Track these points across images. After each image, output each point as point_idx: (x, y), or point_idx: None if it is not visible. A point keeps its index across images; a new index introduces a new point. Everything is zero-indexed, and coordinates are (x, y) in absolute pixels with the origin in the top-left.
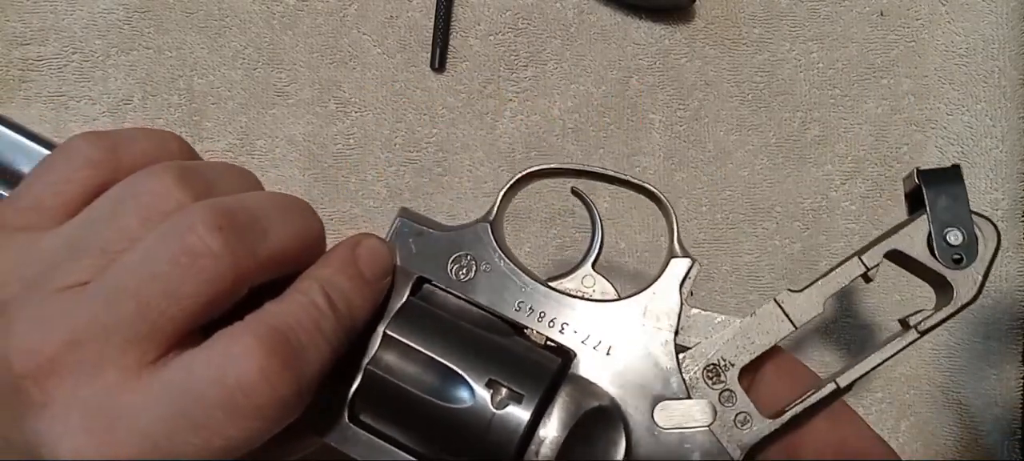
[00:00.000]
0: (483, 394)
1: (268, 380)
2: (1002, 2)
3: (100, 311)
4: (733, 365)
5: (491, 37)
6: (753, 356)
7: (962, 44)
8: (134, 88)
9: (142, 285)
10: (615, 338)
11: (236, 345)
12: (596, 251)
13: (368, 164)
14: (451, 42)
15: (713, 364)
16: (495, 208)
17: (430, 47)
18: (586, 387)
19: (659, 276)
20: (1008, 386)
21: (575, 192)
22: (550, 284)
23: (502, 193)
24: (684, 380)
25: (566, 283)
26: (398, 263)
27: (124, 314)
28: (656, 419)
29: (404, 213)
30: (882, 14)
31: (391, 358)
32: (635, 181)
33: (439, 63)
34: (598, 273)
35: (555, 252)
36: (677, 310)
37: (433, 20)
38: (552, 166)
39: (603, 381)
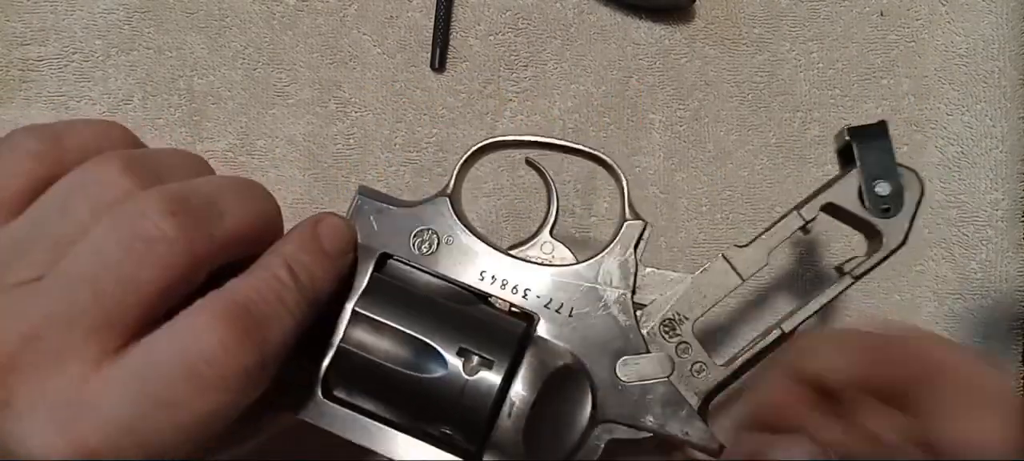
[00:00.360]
0: (455, 363)
1: (229, 350)
2: (1002, 2)
3: (56, 304)
4: (687, 318)
5: (491, 37)
6: (706, 309)
7: (962, 44)
8: (134, 88)
9: (97, 274)
10: (575, 300)
11: (197, 320)
12: (552, 218)
13: (368, 164)
14: (451, 42)
15: (669, 319)
16: (452, 181)
17: (430, 47)
18: (551, 348)
19: (614, 239)
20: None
21: (529, 162)
22: (511, 252)
23: (458, 166)
24: (643, 335)
25: (527, 251)
26: (360, 240)
27: (81, 305)
28: (619, 374)
29: (363, 191)
30: (882, 14)
31: (362, 334)
32: (585, 149)
33: (439, 63)
34: (556, 239)
35: None
36: (633, 270)
37: (433, 20)
38: (506, 138)
39: (566, 341)
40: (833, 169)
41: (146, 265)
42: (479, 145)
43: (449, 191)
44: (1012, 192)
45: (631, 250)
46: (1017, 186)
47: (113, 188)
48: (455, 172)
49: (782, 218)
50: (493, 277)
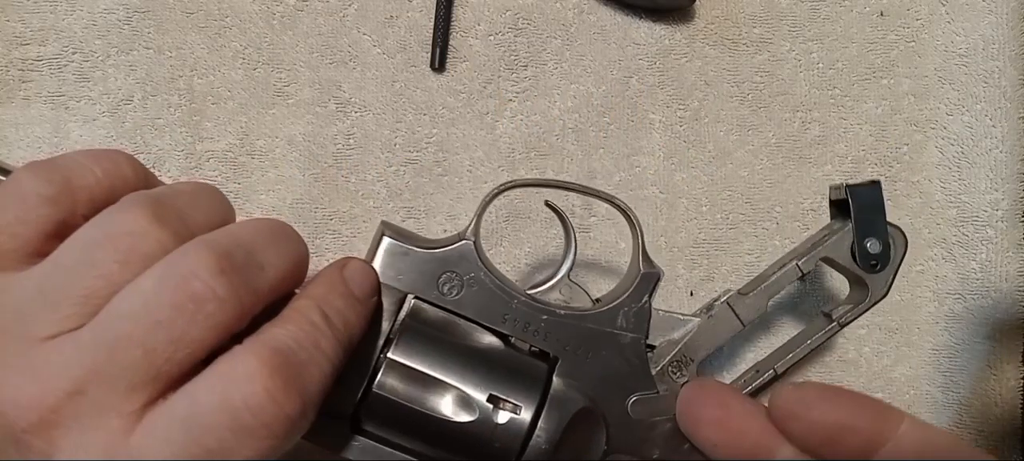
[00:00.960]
0: (486, 407)
1: (274, 399)
2: (1002, 2)
3: (102, 360)
4: (693, 359)
5: (491, 37)
6: (709, 351)
7: (962, 44)
8: (134, 88)
9: (147, 333)
10: (592, 344)
11: (239, 368)
12: (570, 262)
13: (368, 164)
14: (451, 42)
15: (677, 359)
16: (473, 225)
17: (430, 47)
18: (570, 390)
19: (631, 287)
20: (1008, 386)
21: (549, 205)
22: (532, 295)
23: (479, 210)
24: (652, 376)
25: (547, 293)
26: (385, 281)
27: (128, 362)
28: (630, 411)
29: (388, 229)
30: (882, 14)
31: (395, 381)
32: (606, 195)
33: (439, 63)
34: (574, 282)
35: (555, 252)
36: (647, 317)
37: (433, 20)
38: (526, 179)
39: (584, 381)
40: (832, 169)
41: (196, 324)
42: (503, 187)
43: (474, 234)
44: (1012, 192)
45: (646, 297)
46: (1017, 186)
47: (144, 240)
48: (478, 215)
49: (782, 268)
50: (515, 320)
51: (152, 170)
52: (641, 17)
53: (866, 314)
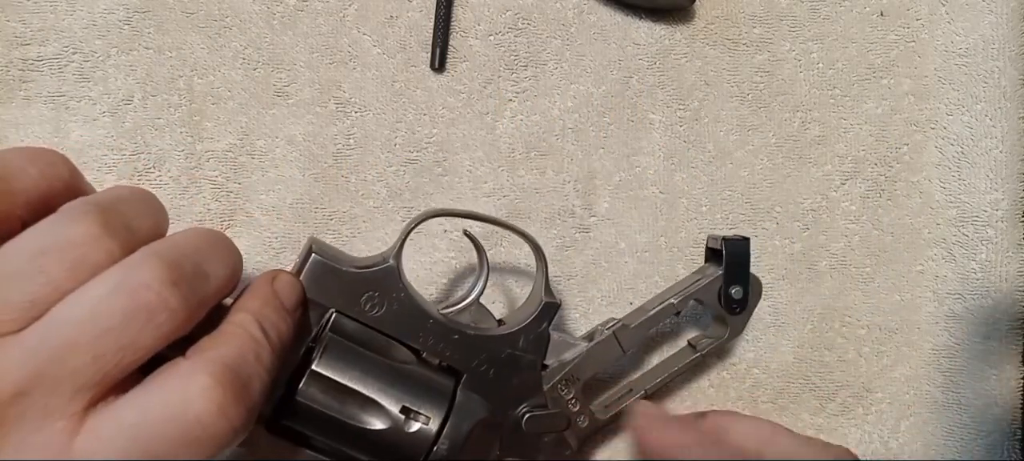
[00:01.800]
0: (398, 417)
1: (225, 414)
2: (1002, 2)
3: (47, 363)
4: (579, 379)
5: (491, 37)
6: (594, 372)
7: (962, 44)
8: (134, 88)
9: (96, 340)
10: (495, 361)
11: (193, 385)
12: (481, 288)
13: (368, 164)
14: (451, 42)
15: (565, 378)
16: (398, 248)
17: (430, 47)
18: (473, 402)
19: (533, 314)
20: (1008, 386)
21: (467, 234)
22: (445, 315)
23: (403, 236)
24: (544, 391)
25: (459, 314)
26: (312, 296)
27: (75, 366)
28: (523, 425)
29: (316, 245)
30: (882, 14)
31: (317, 392)
32: (517, 228)
33: (439, 63)
34: (483, 305)
35: (555, 252)
36: (546, 341)
37: (433, 20)
38: (451, 209)
39: (485, 395)
40: (832, 170)
41: (147, 332)
42: (422, 217)
43: (397, 257)
44: (1012, 192)
45: (545, 324)
46: (1017, 186)
47: (96, 250)
48: (400, 241)
49: (659, 308)
50: (429, 337)
51: (152, 170)
52: (641, 17)
53: (865, 314)
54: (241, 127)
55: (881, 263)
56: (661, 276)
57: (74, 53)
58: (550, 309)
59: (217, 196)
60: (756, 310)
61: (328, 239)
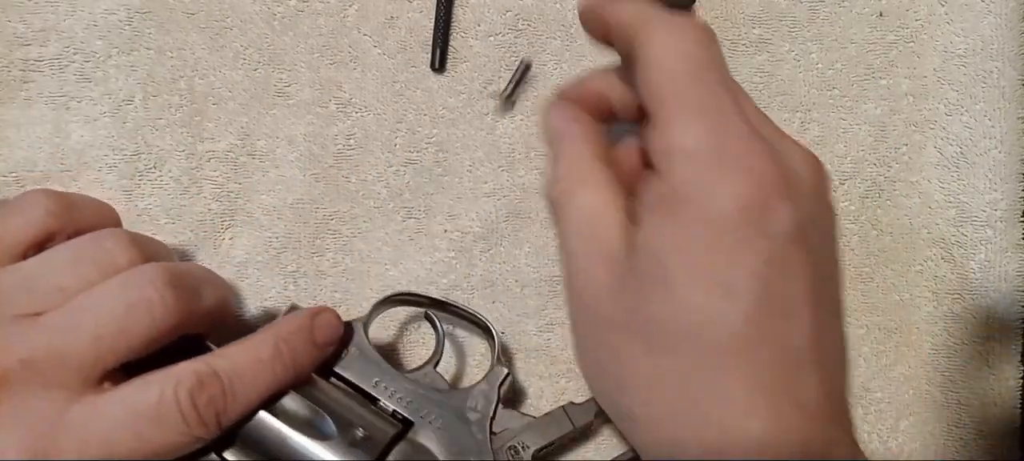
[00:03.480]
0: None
1: (198, 414)
2: (1001, 3)
3: (56, 339)
4: (528, 447)
5: (491, 37)
6: (543, 443)
7: (961, 45)
8: (135, 89)
9: (100, 322)
10: (446, 417)
11: (179, 372)
12: (438, 357)
13: (368, 164)
14: (451, 43)
15: (513, 446)
16: (367, 317)
17: (430, 48)
18: (421, 450)
19: (483, 379)
20: (1007, 386)
21: (428, 318)
22: (404, 372)
23: (371, 311)
24: (492, 450)
25: (415, 375)
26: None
27: (78, 344)
28: None
29: (294, 309)
30: (881, 15)
31: (273, 421)
32: (471, 313)
33: (439, 64)
34: (437, 372)
35: (555, 252)
36: (494, 404)
37: (433, 21)
38: (411, 294)
39: (434, 447)
40: (831, 170)
41: (143, 323)
42: (385, 297)
43: (363, 323)
44: (1011, 192)
45: (495, 388)
46: (1016, 186)
47: (122, 257)
48: (370, 314)
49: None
50: (385, 387)
51: (153, 170)
52: None
53: (864, 314)
54: (242, 127)
55: (880, 263)
56: None
57: (75, 53)
58: (499, 373)
59: (218, 196)
60: None
61: (328, 239)
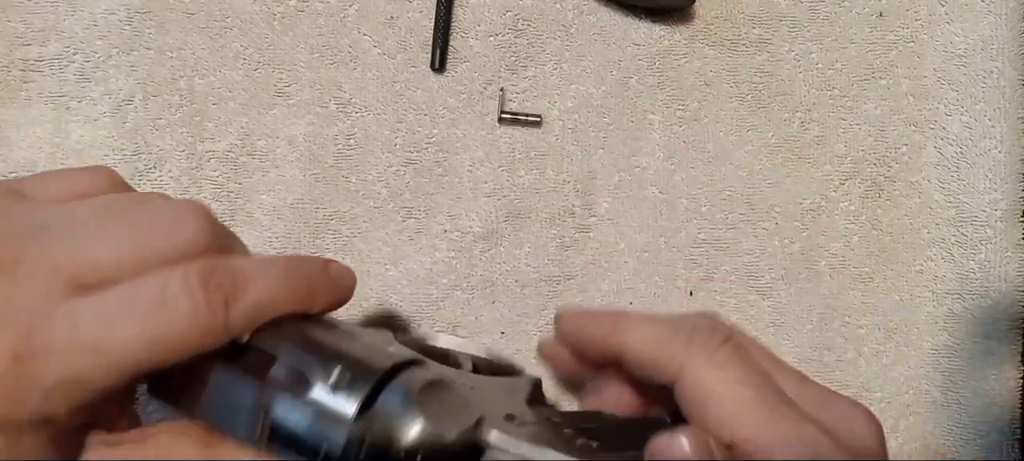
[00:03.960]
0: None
1: (206, 295)
2: (1001, 3)
3: (78, 243)
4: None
5: (491, 37)
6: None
7: (961, 45)
8: (135, 88)
9: (125, 245)
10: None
11: (175, 274)
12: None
13: (368, 164)
14: (451, 43)
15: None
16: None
17: (430, 48)
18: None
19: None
20: (1007, 386)
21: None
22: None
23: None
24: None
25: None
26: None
27: (91, 257)
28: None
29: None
30: (881, 15)
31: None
32: (508, 366)
33: (439, 64)
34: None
35: (555, 252)
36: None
37: (433, 21)
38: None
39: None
40: (831, 170)
41: (162, 240)
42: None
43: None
44: (1011, 192)
45: (528, 383)
46: (1016, 186)
47: (198, 235)
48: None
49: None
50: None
51: (153, 170)
52: (641, 17)
53: (865, 314)
54: (242, 127)
55: (880, 263)
56: (661, 276)
57: (75, 53)
58: (531, 377)
59: (218, 196)
60: (756, 310)
61: (328, 239)
